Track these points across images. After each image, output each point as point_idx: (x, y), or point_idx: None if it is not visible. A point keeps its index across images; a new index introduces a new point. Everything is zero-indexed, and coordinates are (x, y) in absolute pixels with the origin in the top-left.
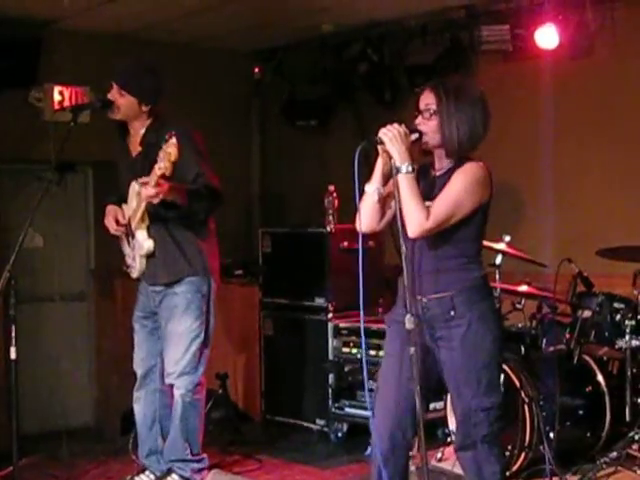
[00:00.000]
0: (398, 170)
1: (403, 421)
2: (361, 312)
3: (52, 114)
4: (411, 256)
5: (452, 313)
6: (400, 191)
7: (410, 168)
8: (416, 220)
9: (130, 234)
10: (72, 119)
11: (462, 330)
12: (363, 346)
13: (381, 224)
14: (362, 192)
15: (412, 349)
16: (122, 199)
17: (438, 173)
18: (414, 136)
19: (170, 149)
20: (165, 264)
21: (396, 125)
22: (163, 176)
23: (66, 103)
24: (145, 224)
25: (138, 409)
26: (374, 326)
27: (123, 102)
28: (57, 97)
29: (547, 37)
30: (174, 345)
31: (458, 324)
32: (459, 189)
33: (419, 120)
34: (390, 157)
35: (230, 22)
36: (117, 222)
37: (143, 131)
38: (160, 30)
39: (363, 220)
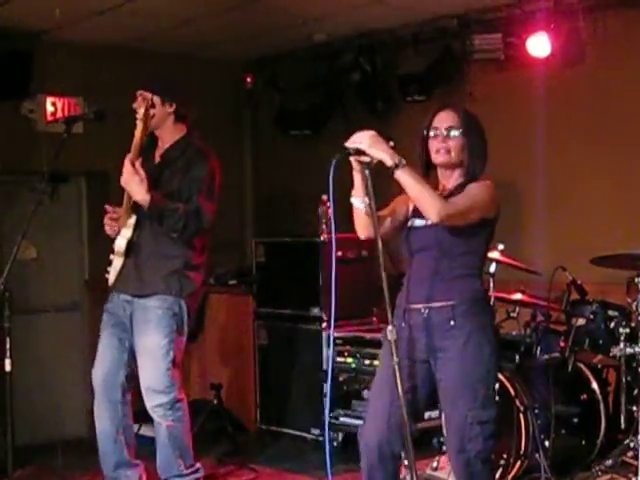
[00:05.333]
0: (395, 167)
1: (393, 432)
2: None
3: (45, 125)
4: (415, 265)
5: (452, 323)
6: (406, 186)
7: (404, 161)
8: (436, 204)
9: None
10: (65, 130)
11: (461, 341)
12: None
13: (381, 231)
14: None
15: (395, 359)
16: None
17: (449, 187)
18: (391, 143)
19: (140, 110)
20: (140, 275)
21: (364, 131)
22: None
23: (59, 114)
24: (131, 220)
25: (99, 425)
26: (368, 335)
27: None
28: (50, 108)
29: (539, 45)
30: (145, 362)
31: (457, 335)
32: (476, 194)
33: (441, 139)
34: (365, 166)
35: (221, 32)
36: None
37: (167, 146)
38: (152, 41)
39: (360, 230)
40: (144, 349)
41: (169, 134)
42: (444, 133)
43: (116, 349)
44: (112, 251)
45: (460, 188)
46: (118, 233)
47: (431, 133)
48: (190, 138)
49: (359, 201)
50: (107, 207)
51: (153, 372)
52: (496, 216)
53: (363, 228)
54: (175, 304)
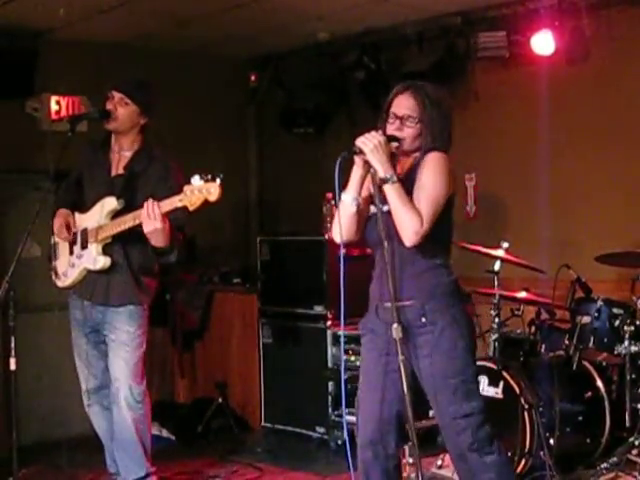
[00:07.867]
0: (384, 181)
1: (386, 429)
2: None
3: (49, 124)
4: (382, 262)
5: (423, 320)
6: (390, 201)
7: (395, 177)
8: (412, 228)
9: (82, 244)
10: (70, 129)
11: (434, 337)
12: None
13: (359, 234)
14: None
15: (400, 357)
16: (75, 206)
17: (406, 169)
18: (394, 144)
19: (214, 189)
20: (114, 287)
21: (374, 134)
22: (175, 209)
23: (63, 113)
24: (106, 242)
25: (98, 423)
26: None
27: (123, 111)
28: (54, 107)
29: (543, 43)
30: (118, 353)
31: (429, 331)
32: (434, 182)
33: (397, 126)
34: (370, 166)
35: (225, 30)
36: (67, 228)
37: (129, 154)
38: (156, 39)
39: (339, 231)
40: (117, 340)
41: (130, 142)
42: (400, 121)
43: (97, 356)
44: (70, 252)
45: (413, 172)
46: (83, 246)
47: (389, 118)
48: (150, 149)
49: (351, 198)
50: (62, 212)
51: (127, 362)
52: (454, 189)
53: (347, 229)
54: (143, 309)
